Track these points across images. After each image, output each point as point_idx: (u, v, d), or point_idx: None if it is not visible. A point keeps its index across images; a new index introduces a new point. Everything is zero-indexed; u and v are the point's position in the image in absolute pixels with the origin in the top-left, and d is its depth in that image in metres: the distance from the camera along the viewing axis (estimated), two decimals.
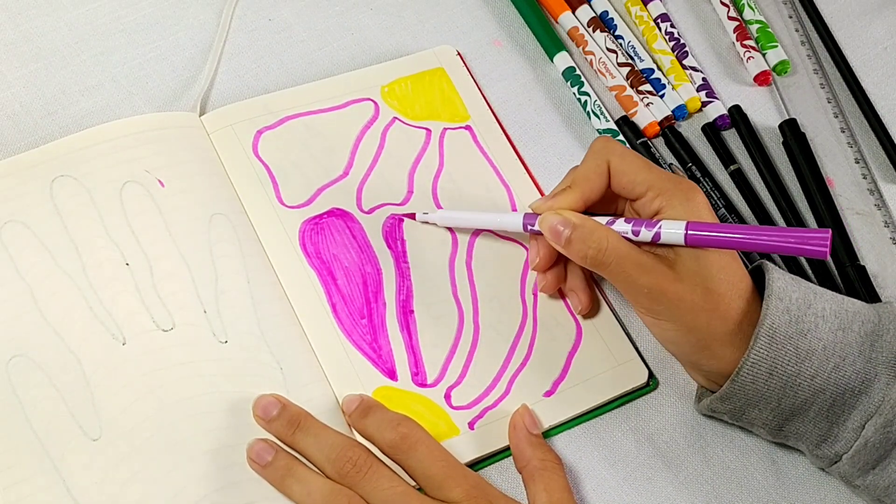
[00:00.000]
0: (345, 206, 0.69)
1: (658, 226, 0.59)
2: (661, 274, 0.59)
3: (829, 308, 0.60)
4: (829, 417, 0.60)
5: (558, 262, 0.66)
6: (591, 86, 0.77)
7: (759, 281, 0.62)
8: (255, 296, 0.64)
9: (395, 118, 0.73)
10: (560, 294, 0.68)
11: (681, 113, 0.77)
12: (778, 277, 0.60)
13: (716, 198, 0.73)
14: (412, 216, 0.68)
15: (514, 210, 0.71)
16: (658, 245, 0.60)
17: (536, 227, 0.63)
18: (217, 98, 0.73)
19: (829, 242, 0.55)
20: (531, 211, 0.64)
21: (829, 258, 0.56)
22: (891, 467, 0.60)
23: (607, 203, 0.64)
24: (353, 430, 0.62)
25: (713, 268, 0.59)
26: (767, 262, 0.62)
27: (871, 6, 0.84)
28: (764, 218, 0.73)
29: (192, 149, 0.68)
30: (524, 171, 0.73)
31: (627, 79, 0.78)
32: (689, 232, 0.59)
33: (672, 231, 0.59)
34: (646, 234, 0.60)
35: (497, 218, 0.67)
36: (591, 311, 0.67)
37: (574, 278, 0.66)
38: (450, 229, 0.69)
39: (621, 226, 0.60)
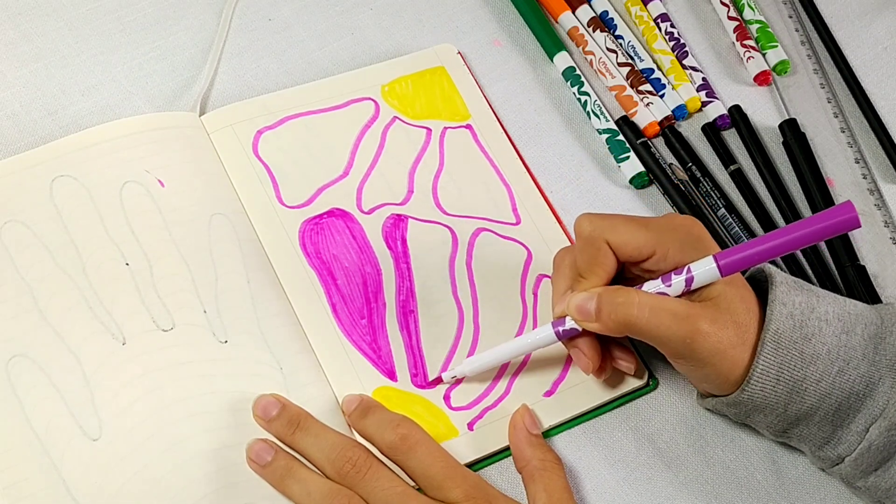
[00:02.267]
0: (345, 207, 0.69)
1: (687, 270, 0.58)
2: (697, 318, 0.57)
3: (831, 311, 0.60)
4: (833, 421, 0.60)
5: (605, 355, 0.63)
6: (591, 86, 0.77)
7: (756, 284, 0.62)
8: (255, 296, 0.64)
9: (396, 117, 0.73)
10: None
11: (681, 113, 0.77)
12: (780, 282, 0.60)
13: (716, 198, 0.73)
14: (439, 380, 0.64)
15: (514, 209, 0.71)
16: (690, 291, 0.59)
17: (568, 326, 0.61)
18: (217, 98, 0.73)
19: (855, 213, 0.53)
20: (555, 318, 0.62)
21: (860, 225, 0.54)
22: (893, 469, 0.60)
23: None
24: (353, 430, 0.62)
25: (735, 300, 0.58)
26: (769, 265, 0.62)
27: (871, 6, 0.84)
28: (764, 218, 0.73)
29: (192, 149, 0.68)
30: (524, 170, 0.73)
31: (627, 79, 0.78)
32: (722, 262, 0.57)
33: (704, 269, 0.58)
34: (678, 283, 0.58)
35: (527, 341, 0.63)
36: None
37: (617, 350, 0.64)
38: (450, 229, 0.69)
39: (651, 285, 0.59)
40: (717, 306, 0.58)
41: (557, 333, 0.61)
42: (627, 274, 0.62)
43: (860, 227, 0.54)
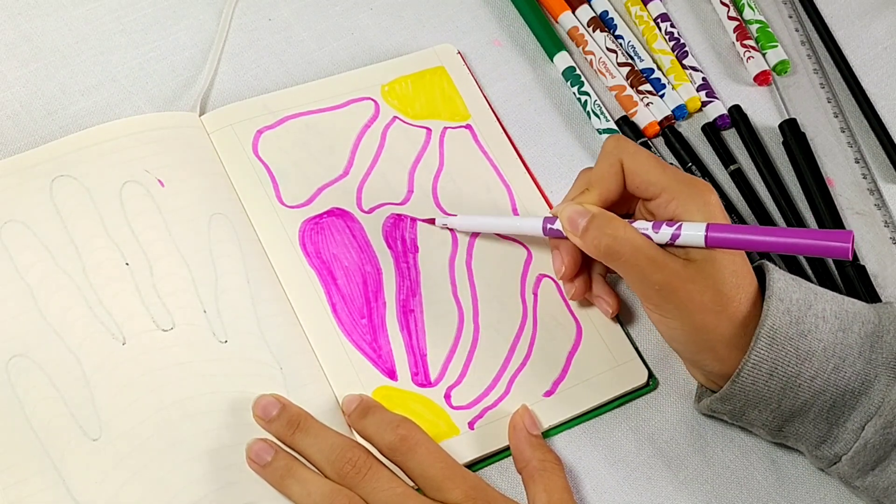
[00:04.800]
0: (345, 206, 0.69)
1: (677, 226, 0.59)
2: (674, 272, 0.59)
3: (829, 309, 0.60)
4: (828, 419, 0.60)
5: (583, 269, 0.65)
6: (591, 86, 0.77)
7: (759, 280, 0.62)
8: (255, 296, 0.64)
9: (396, 117, 0.73)
10: (561, 294, 0.68)
11: (681, 113, 0.77)
12: (779, 278, 0.60)
13: None
14: (431, 221, 0.68)
15: (514, 210, 0.71)
16: (674, 245, 0.60)
17: (556, 227, 0.63)
18: (217, 98, 0.73)
19: (851, 243, 0.54)
20: (550, 215, 0.65)
21: (850, 258, 0.55)
22: (890, 468, 0.60)
23: (622, 203, 0.64)
24: (353, 430, 0.62)
25: (725, 270, 0.59)
26: (768, 263, 0.62)
27: (871, 6, 0.84)
28: (764, 218, 0.73)
29: (192, 149, 0.68)
30: (524, 170, 0.73)
31: (627, 79, 0.78)
32: (710, 234, 0.58)
33: (692, 233, 0.59)
34: (665, 233, 0.59)
35: (517, 222, 0.67)
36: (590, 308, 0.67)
37: (598, 284, 0.66)
38: (450, 229, 0.69)
39: (641, 224, 0.60)
40: (700, 269, 0.59)
41: (545, 228, 0.64)
42: (638, 214, 0.64)
43: (849, 259, 0.55)
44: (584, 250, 0.61)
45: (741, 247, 0.58)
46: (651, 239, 0.60)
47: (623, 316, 0.68)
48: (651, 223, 0.60)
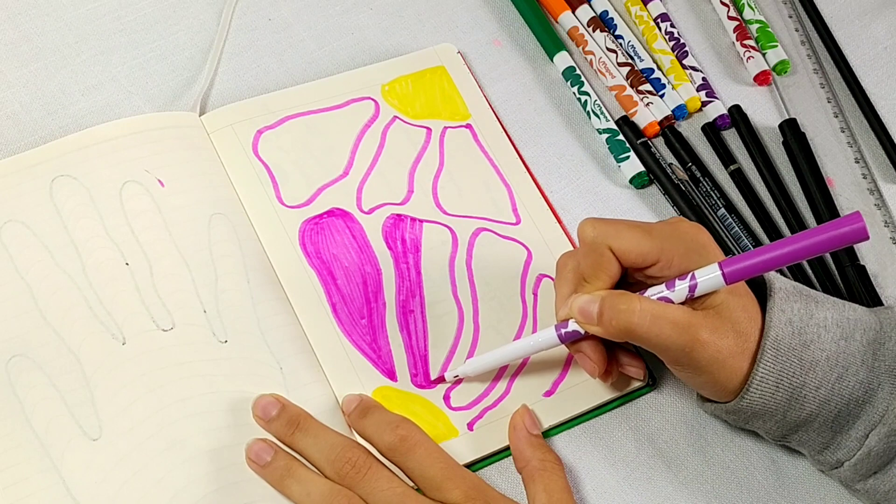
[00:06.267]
0: (345, 206, 0.69)
1: (690, 276, 0.57)
2: (699, 327, 0.57)
3: (830, 317, 0.59)
4: (832, 427, 0.60)
5: (611, 359, 0.63)
6: (591, 85, 0.77)
7: (757, 285, 0.62)
8: (255, 296, 0.64)
9: (396, 117, 0.73)
10: None
11: (681, 113, 0.77)
12: (779, 289, 0.60)
13: (716, 198, 0.73)
14: (441, 379, 0.64)
15: (514, 209, 0.71)
16: (693, 298, 0.58)
17: (570, 329, 0.60)
18: (217, 98, 0.73)
19: (864, 223, 0.52)
20: (559, 321, 0.62)
21: (868, 237, 0.53)
22: (891, 472, 0.60)
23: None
24: (353, 430, 0.62)
25: (738, 309, 0.58)
26: (768, 273, 0.61)
27: (871, 6, 0.84)
28: (764, 218, 0.73)
29: (192, 149, 0.68)
30: (524, 170, 0.73)
31: (627, 78, 0.78)
32: (727, 270, 0.56)
33: (709, 276, 0.57)
34: (682, 288, 0.57)
35: (529, 342, 0.62)
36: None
37: (622, 355, 0.64)
38: (450, 229, 0.69)
39: (654, 290, 0.59)
40: (718, 315, 0.58)
41: (560, 336, 0.61)
42: (630, 279, 0.62)
43: (868, 238, 0.53)
44: (606, 336, 0.59)
45: (761, 270, 0.56)
46: (671, 300, 0.58)
47: None
48: (663, 284, 0.58)
